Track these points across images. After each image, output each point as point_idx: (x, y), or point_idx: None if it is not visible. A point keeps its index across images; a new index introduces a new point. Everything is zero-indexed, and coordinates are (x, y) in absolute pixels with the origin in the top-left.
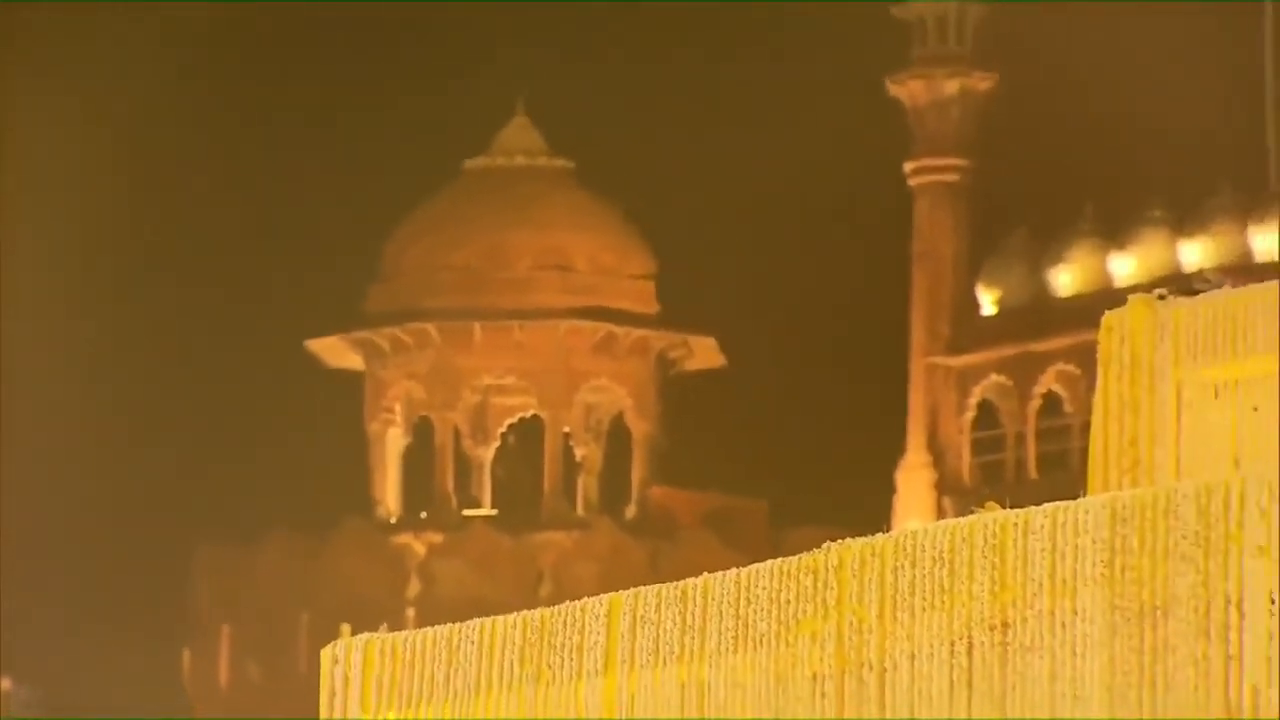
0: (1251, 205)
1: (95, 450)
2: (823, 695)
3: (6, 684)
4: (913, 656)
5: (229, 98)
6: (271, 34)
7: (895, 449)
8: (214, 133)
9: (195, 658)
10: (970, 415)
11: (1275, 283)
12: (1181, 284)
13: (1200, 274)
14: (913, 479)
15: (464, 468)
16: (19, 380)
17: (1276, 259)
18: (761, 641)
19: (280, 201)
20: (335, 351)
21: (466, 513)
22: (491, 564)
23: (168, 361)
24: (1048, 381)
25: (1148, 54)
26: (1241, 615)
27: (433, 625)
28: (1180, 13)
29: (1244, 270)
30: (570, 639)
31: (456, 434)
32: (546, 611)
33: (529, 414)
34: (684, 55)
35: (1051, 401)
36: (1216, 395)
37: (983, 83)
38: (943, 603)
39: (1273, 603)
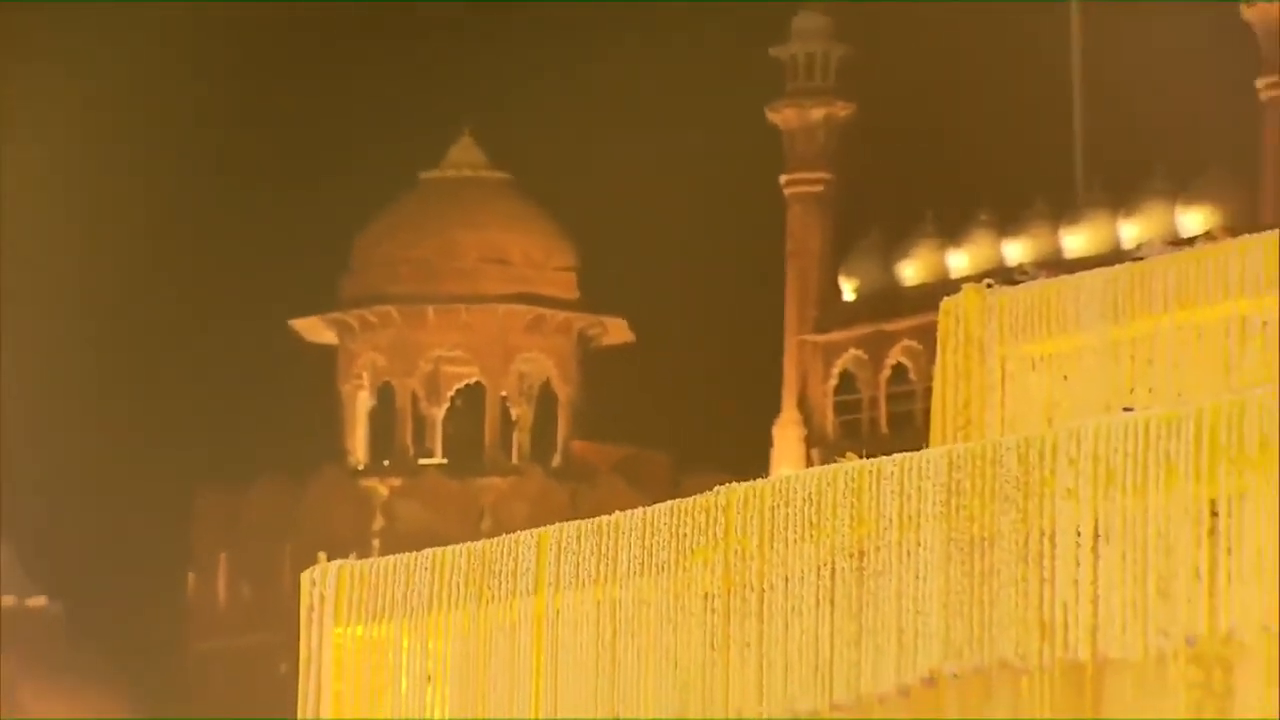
0: (1062, 210)
1: (107, 405)
2: (713, 611)
3: (43, 600)
4: (786, 579)
5: (220, 103)
6: (260, 44)
7: (772, 410)
8: (206, 135)
9: (198, 580)
10: (833, 383)
11: (1081, 274)
12: (1005, 276)
13: (1020, 268)
14: (786, 434)
15: (419, 425)
16: (34, 350)
17: (1082, 255)
18: (662, 567)
19: (266, 200)
20: (313, 329)
21: (422, 461)
22: (442, 503)
23: (168, 337)
24: (896, 355)
25: (976, 82)
26: (1054, 546)
27: (393, 554)
28: (1005, 43)
29: (1056, 264)
30: (506, 565)
31: (413, 397)
32: (487, 543)
33: (473, 380)
34: (603, 85)
35: (899, 371)
36: (1034, 366)
37: (843, 110)
38: (811, 535)
39: (1078, 535)
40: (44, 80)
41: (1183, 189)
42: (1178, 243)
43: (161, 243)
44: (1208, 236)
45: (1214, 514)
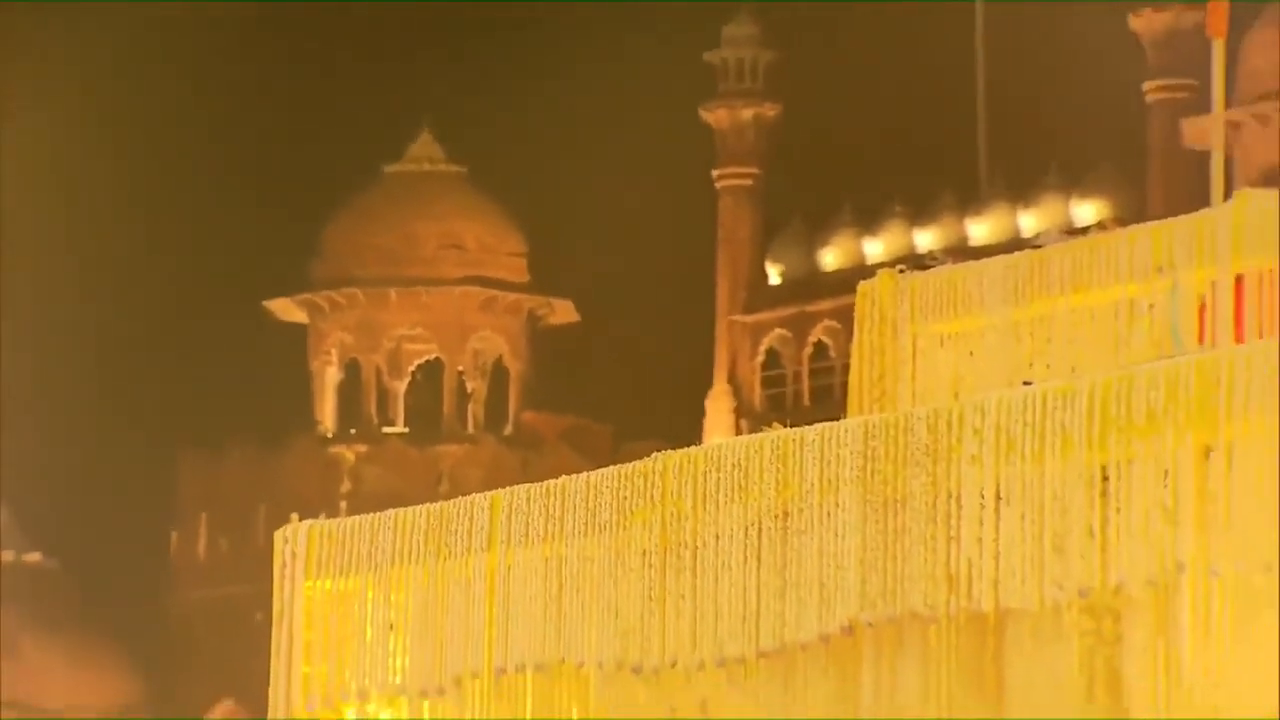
0: (967, 202)
1: (99, 379)
2: (650, 566)
3: (39, 556)
4: (717, 537)
5: (201, 103)
6: (237, 48)
7: (705, 384)
8: (189, 131)
9: (180, 537)
10: (760, 359)
11: (985, 261)
12: (916, 262)
13: (930, 254)
14: (717, 406)
15: (383, 397)
16: (31, 328)
17: (985, 243)
18: (604, 527)
19: (243, 191)
20: (285, 309)
21: (385, 430)
22: (403, 468)
23: (154, 317)
24: (818, 334)
25: (892, 83)
26: (959, 507)
27: (359, 514)
28: (918, 47)
29: (962, 252)
30: (462, 524)
31: (377, 371)
32: (444, 504)
33: (432, 357)
34: (552, 87)
35: (820, 349)
36: (941, 344)
37: (770, 110)
38: (739, 498)
39: (982, 497)
40: (38, 78)
41: (1077, 183)
42: (1072, 232)
43: (150, 229)
44: (1099, 226)
45: (1105, 478)
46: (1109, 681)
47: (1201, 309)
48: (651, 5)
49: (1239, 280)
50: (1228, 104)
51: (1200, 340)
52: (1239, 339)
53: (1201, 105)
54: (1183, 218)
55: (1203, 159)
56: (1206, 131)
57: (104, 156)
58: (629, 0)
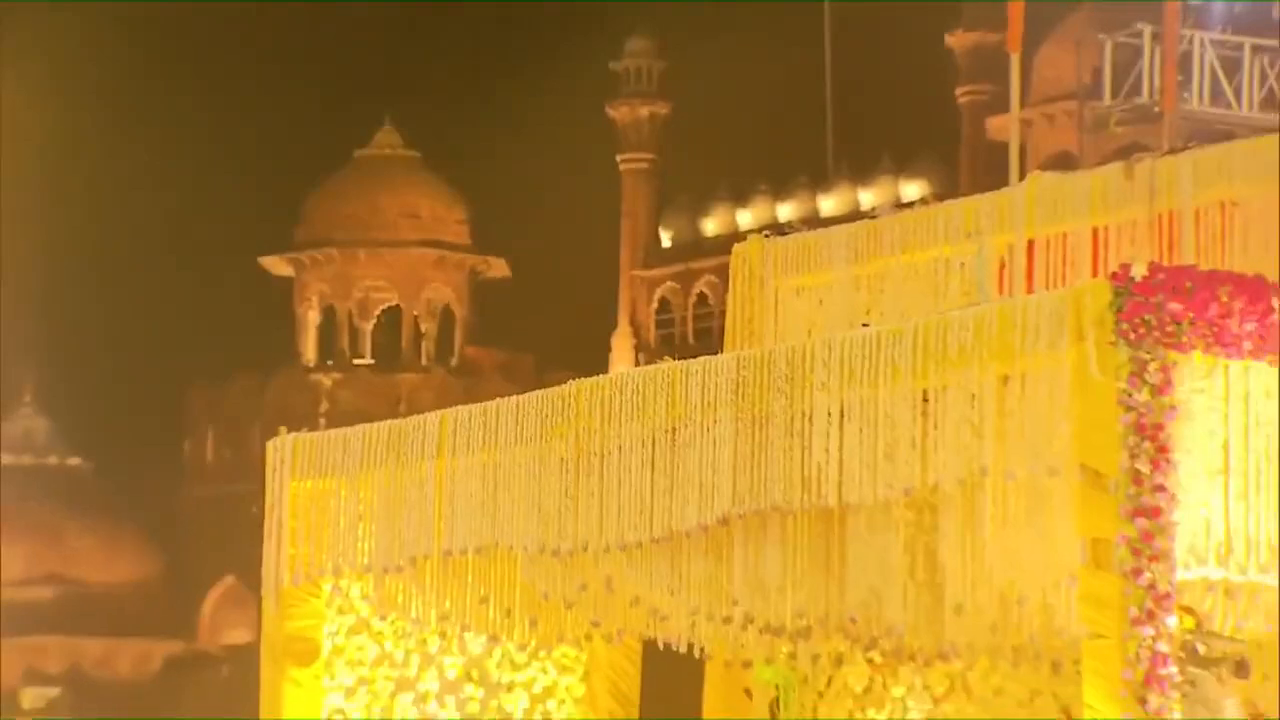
0: (819, 181)
1: (124, 316)
2: (566, 472)
3: (78, 460)
4: (619, 448)
5: (206, 91)
6: (241, 45)
7: (611, 325)
8: (198, 116)
9: (191, 446)
10: (655, 306)
11: (832, 229)
12: (778, 229)
13: (789, 223)
14: (621, 343)
15: (354, 335)
16: (67, 280)
17: (832, 215)
18: (530, 439)
19: (243, 168)
20: (275, 265)
21: (355, 362)
22: (370, 392)
23: (172, 268)
24: (700, 286)
25: (758, 83)
26: (811, 424)
27: (334, 428)
28: (780, 52)
29: (814, 221)
30: (416, 437)
31: (349, 315)
32: (403, 421)
33: (393, 303)
34: (493, 86)
35: (702, 298)
36: (798, 295)
37: (662, 109)
38: (637, 416)
39: (829, 416)
40: (47, 57)
41: (905, 167)
42: (901, 205)
43: (160, 195)
44: (922, 201)
45: (925, 400)
46: (928, 561)
47: (1001, 267)
48: (570, 25)
49: (1031, 244)
50: (1022, 105)
51: (1000, 291)
52: (1030, 290)
53: (1001, 106)
54: (987, 194)
55: (1003, 148)
56: (1005, 127)
57: (115, 132)
58: (552, 22)
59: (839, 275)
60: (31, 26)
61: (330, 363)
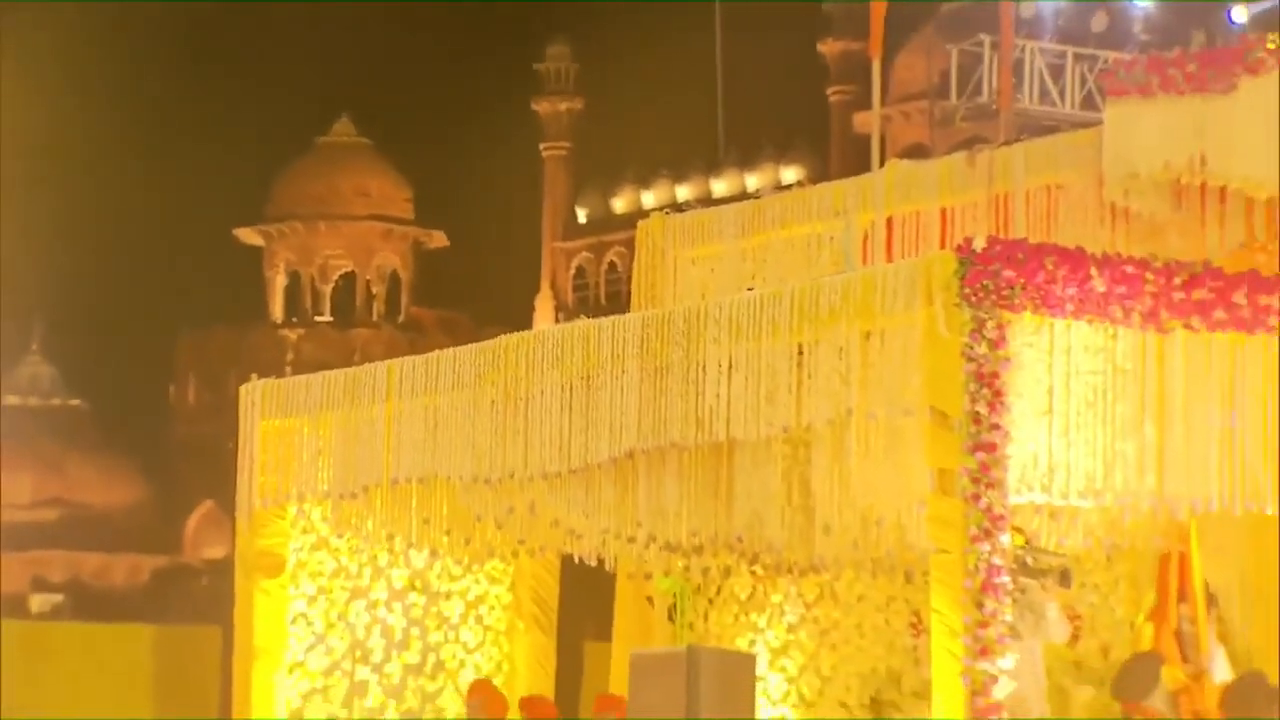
0: (711, 166)
1: (118, 275)
2: (496, 412)
3: (78, 402)
4: (542, 392)
5: (190, 80)
6: (206, 36)
7: (534, 288)
8: (183, 107)
9: (176, 390)
10: (572, 272)
11: (722, 207)
12: (676, 208)
13: (686, 203)
14: (543, 304)
15: (316, 296)
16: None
17: (722, 196)
18: (465, 385)
19: (223, 150)
20: (248, 235)
21: (316, 319)
22: (329, 345)
23: (161, 237)
24: (610, 256)
25: (659, 84)
26: (704, 373)
27: (298, 375)
28: (676, 58)
29: (707, 201)
30: (368, 383)
31: (312, 278)
32: (357, 369)
33: (349, 269)
34: (433, 81)
35: (612, 266)
36: (693, 264)
37: (577, 104)
38: (557, 365)
39: (719, 366)
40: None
41: (783, 155)
42: (780, 188)
43: (147, 173)
44: (798, 184)
45: (800, 353)
46: (801, 489)
47: (864, 240)
48: (500, 31)
49: (889, 221)
50: (882, 103)
51: (864, 261)
52: (888, 260)
53: (864, 104)
54: (853, 179)
55: (865, 139)
56: (868, 121)
57: (113, 118)
58: (486, 28)
59: (728, 247)
60: (40, 23)
61: (295, 320)
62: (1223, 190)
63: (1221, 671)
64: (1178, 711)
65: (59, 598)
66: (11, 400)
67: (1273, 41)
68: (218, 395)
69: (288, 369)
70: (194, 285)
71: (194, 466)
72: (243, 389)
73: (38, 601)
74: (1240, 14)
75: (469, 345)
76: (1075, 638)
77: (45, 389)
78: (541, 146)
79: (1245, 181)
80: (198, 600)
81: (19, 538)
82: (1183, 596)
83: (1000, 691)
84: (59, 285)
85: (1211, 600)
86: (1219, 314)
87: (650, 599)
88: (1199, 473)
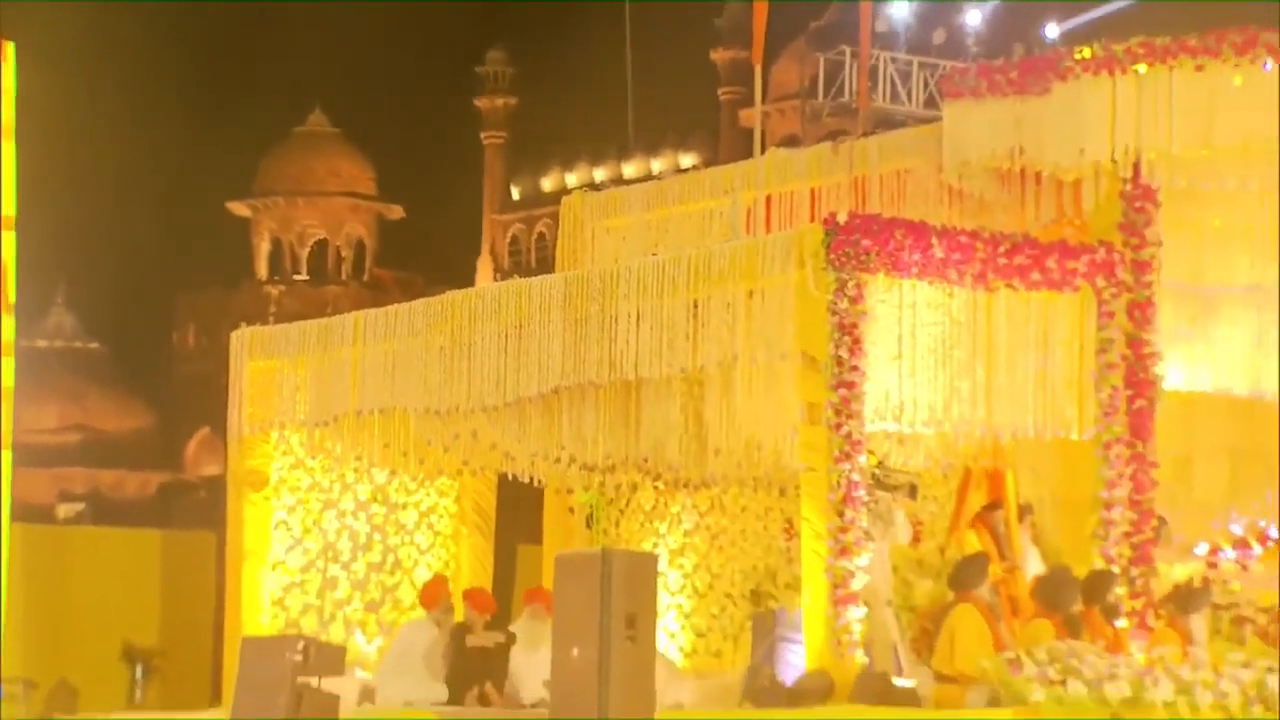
0: (623, 152)
1: (125, 240)
2: (444, 355)
3: (96, 344)
4: (481, 339)
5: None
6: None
7: (476, 252)
8: (181, 93)
9: (178, 336)
10: (508, 240)
11: (631, 187)
12: (594, 187)
13: (602, 183)
14: (483, 266)
15: (294, 259)
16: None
17: (632, 178)
18: (419, 333)
19: (223, 135)
20: (238, 208)
21: (295, 278)
22: (305, 300)
23: (157, 211)
24: (539, 227)
25: (584, 81)
26: (616, 323)
27: (279, 324)
28: (595, 61)
29: (619, 181)
30: (338, 331)
31: (291, 244)
32: (328, 319)
33: (322, 236)
34: (392, 81)
35: (541, 235)
36: (608, 233)
37: (512, 101)
38: (494, 316)
39: (629, 318)
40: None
41: (683, 144)
42: (680, 171)
43: (159, 155)
44: (694, 168)
45: (695, 307)
46: (696, 419)
47: (748, 215)
48: (446, 38)
49: (768, 199)
50: (762, 102)
51: (747, 232)
52: (768, 231)
53: (748, 102)
54: (738, 163)
55: (749, 132)
56: (751, 116)
57: (126, 103)
58: (436, 35)
59: (636, 220)
60: (61, 18)
61: (277, 278)
62: (1038, 175)
63: (1034, 566)
64: (999, 599)
65: (81, 506)
66: (40, 344)
67: (1079, 53)
68: (212, 340)
69: (270, 319)
70: (193, 249)
71: (193, 399)
72: (233, 335)
73: (63, 510)
74: (1053, 31)
75: (421, 300)
76: (917, 540)
77: (68, 334)
78: (482, 136)
79: (1055, 168)
80: (196, 510)
81: (47, 457)
82: (998, 505)
83: (857, 584)
84: (79, 247)
85: (1026, 509)
86: (1035, 276)
87: (572, 509)
88: (1019, 406)
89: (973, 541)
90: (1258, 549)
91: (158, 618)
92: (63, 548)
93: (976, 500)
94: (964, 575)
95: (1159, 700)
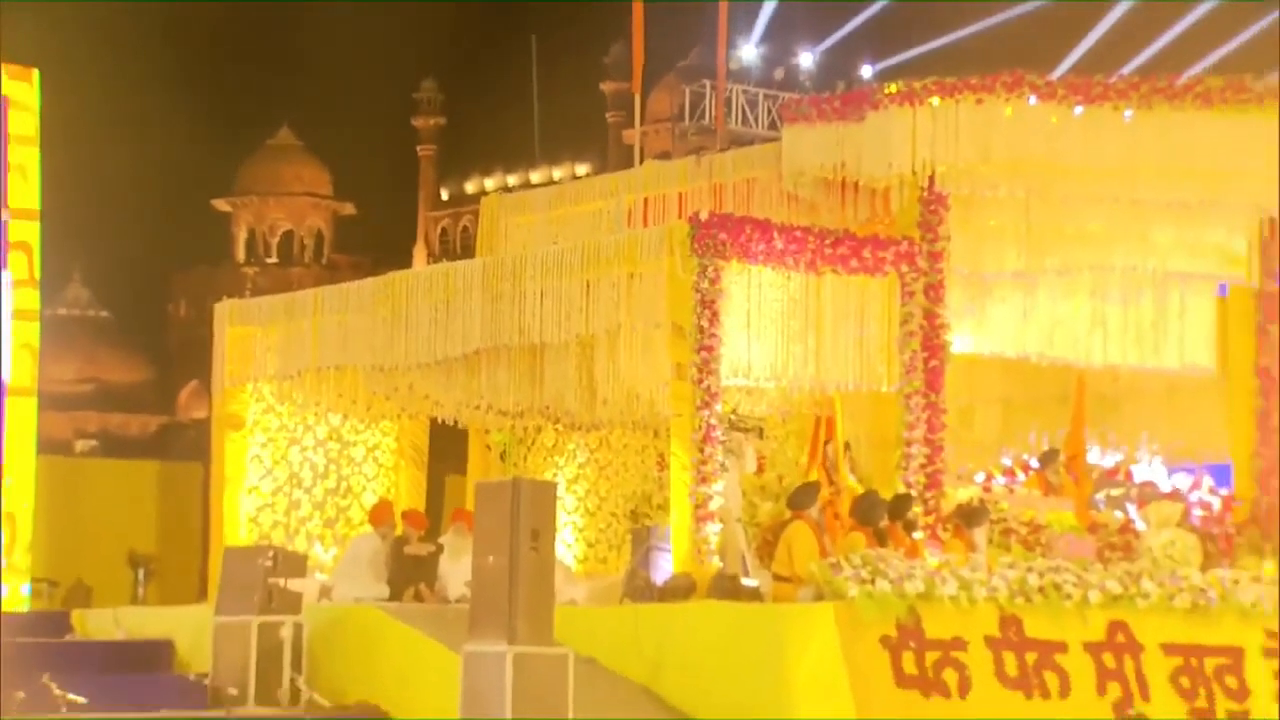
0: (530, 162)
1: (123, 224)
2: (386, 323)
3: (106, 313)
4: (417, 310)
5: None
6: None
7: (413, 242)
8: (178, 108)
9: (172, 308)
10: (439, 232)
11: (535, 191)
12: (507, 190)
13: (513, 187)
14: (419, 252)
15: (265, 246)
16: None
17: (538, 184)
18: (366, 307)
19: (203, 150)
20: (221, 204)
21: (267, 261)
22: (275, 279)
23: (157, 202)
24: (464, 221)
25: (499, 106)
26: (525, 299)
27: (254, 298)
28: (514, 83)
29: (527, 185)
30: (301, 303)
31: (264, 234)
32: (293, 294)
33: (289, 229)
34: (350, 101)
35: (466, 229)
36: (519, 228)
37: (442, 121)
38: (426, 292)
39: (535, 294)
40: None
41: (578, 155)
42: (576, 178)
43: (159, 155)
44: (587, 175)
45: (588, 286)
46: (589, 375)
47: (629, 213)
48: (387, 70)
49: (646, 201)
50: (641, 123)
51: (629, 226)
52: (645, 226)
53: (629, 123)
54: (622, 172)
55: (630, 148)
56: (632, 135)
57: (125, 106)
58: (379, 69)
59: (541, 217)
60: (82, 25)
61: (252, 261)
62: (855, 184)
63: (854, 488)
64: (825, 516)
65: (93, 442)
66: (60, 312)
67: (887, 89)
68: (200, 311)
69: (247, 294)
70: (184, 236)
71: (184, 357)
72: (216, 306)
73: (79, 445)
74: (867, 70)
75: (369, 279)
76: (761, 470)
77: (83, 304)
78: (418, 149)
79: (869, 178)
80: (187, 446)
81: (66, 404)
82: (828, 440)
83: (713, 505)
84: (92, 235)
85: (847, 445)
86: (853, 263)
87: (489, 447)
88: (841, 365)
89: (813, 472)
90: (1022, 477)
91: (155, 531)
92: (78, 476)
93: (818, 438)
94: (799, 498)
95: (946, 595)
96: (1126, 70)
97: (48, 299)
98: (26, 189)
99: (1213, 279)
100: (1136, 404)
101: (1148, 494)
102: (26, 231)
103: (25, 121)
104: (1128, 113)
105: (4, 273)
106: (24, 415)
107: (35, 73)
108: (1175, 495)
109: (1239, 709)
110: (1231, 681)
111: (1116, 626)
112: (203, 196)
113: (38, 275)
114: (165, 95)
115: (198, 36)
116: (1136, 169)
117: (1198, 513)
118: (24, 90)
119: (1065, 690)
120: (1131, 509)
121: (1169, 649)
